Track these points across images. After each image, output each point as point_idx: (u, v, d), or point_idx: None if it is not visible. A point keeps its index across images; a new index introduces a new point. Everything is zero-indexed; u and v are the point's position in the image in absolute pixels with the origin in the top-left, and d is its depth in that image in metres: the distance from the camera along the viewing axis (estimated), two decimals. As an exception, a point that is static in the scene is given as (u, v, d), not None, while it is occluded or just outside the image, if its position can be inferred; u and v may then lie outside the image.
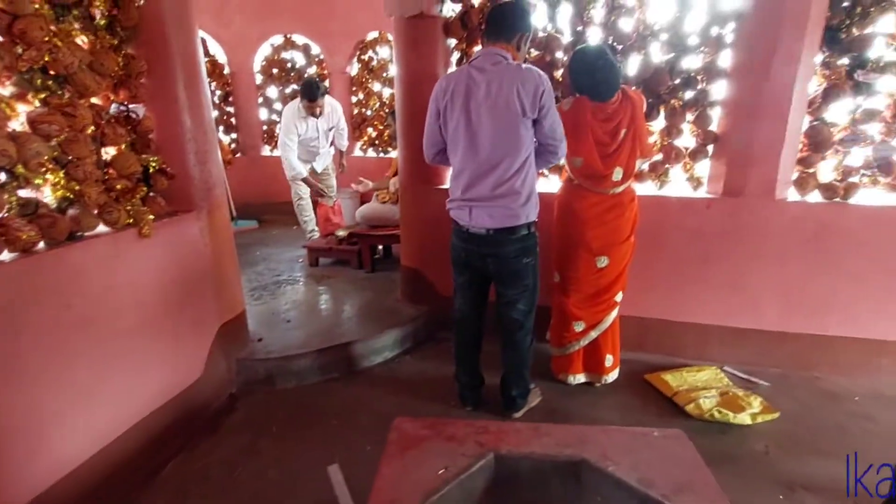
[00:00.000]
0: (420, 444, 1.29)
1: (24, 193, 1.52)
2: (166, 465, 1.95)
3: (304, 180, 4.31)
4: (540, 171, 2.55)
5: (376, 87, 5.85)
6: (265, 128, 6.18)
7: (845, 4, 2.20)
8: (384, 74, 5.75)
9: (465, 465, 1.21)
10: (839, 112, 2.35)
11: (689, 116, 2.55)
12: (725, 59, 2.41)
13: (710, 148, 2.54)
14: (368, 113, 5.92)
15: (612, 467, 1.19)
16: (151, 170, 1.97)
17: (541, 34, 2.67)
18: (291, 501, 1.77)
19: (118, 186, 1.80)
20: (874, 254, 2.33)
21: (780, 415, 2.12)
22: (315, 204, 4.65)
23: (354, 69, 5.82)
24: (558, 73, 2.66)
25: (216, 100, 5.85)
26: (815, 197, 2.41)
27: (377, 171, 5.33)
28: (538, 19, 2.64)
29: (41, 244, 1.54)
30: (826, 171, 2.42)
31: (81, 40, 1.67)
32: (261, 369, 2.47)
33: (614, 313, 2.37)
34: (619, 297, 2.36)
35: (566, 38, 2.65)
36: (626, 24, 2.54)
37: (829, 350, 2.49)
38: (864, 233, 2.33)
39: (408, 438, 1.31)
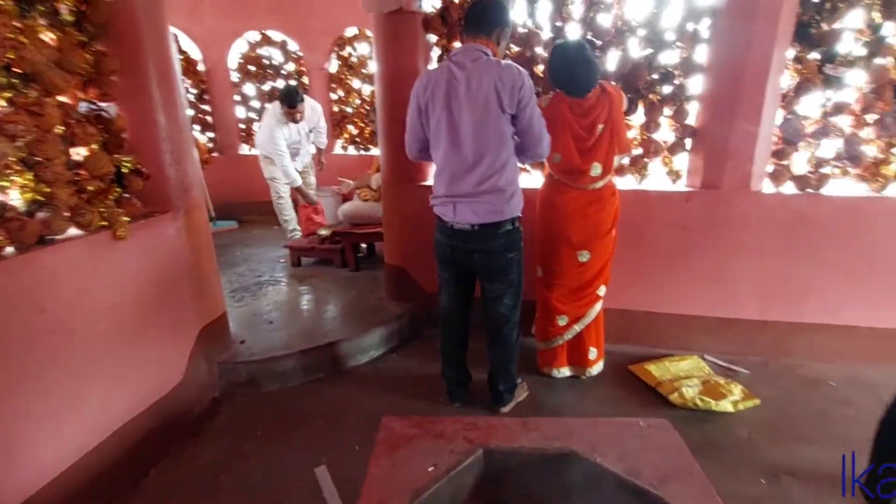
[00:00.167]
0: (409, 443, 1.28)
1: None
2: (149, 471, 1.91)
3: (298, 189, 4.29)
4: (523, 166, 2.58)
5: (356, 83, 5.78)
6: (243, 126, 6.06)
7: (815, 0, 2.26)
8: (364, 71, 5.70)
9: (454, 462, 1.20)
10: (811, 105, 2.41)
11: (668, 111, 2.59)
12: (701, 55, 2.45)
13: (689, 142, 2.59)
14: (349, 110, 5.86)
15: (600, 458, 1.20)
16: (125, 170, 1.91)
17: (521, 30, 2.67)
18: (279, 505, 1.74)
19: (90, 188, 1.74)
20: (846, 243, 2.41)
21: (760, 402, 2.18)
22: (296, 203, 4.60)
23: (334, 66, 5.75)
24: (539, 69, 2.67)
25: (191, 98, 5.72)
26: (789, 188, 2.48)
27: (358, 169, 5.27)
28: (517, 15, 2.65)
29: (10, 248, 1.48)
30: (799, 163, 2.49)
31: (48, 37, 1.61)
32: (244, 372, 2.43)
33: (598, 307, 2.40)
34: (602, 292, 2.38)
35: (546, 34, 2.66)
36: (604, 20, 2.56)
37: (807, 337, 2.57)
38: (836, 222, 2.40)
39: (396, 437, 1.30)
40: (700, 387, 2.24)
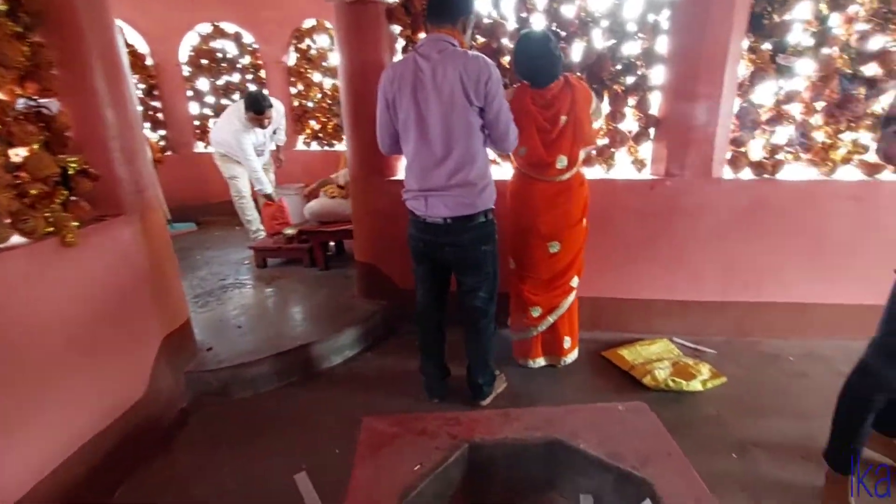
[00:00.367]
0: (392, 442, 1.26)
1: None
2: (117, 488, 1.81)
3: (268, 196, 4.18)
4: (493, 158, 2.57)
5: (317, 77, 5.62)
6: (197, 123, 5.79)
7: (767, -8, 2.35)
8: (324, 64, 5.54)
9: (440, 458, 1.19)
10: (765, 94, 2.52)
11: (632, 101, 2.64)
12: (662, 45, 2.51)
13: (652, 131, 2.65)
14: (310, 105, 5.69)
15: (583, 444, 1.22)
16: (71, 171, 1.77)
17: (486, 21, 2.65)
18: (258, 515, 1.68)
19: (33, 191, 1.60)
20: (799, 224, 2.53)
21: (727, 379, 2.27)
22: (256, 202, 4.44)
23: (292, 59, 5.57)
24: (506, 60, 2.67)
25: (140, 93, 5.41)
26: (746, 174, 2.58)
27: (322, 165, 5.15)
28: (482, 5, 2.63)
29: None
30: (756, 149, 2.60)
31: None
32: (213, 380, 2.32)
33: (571, 298, 2.41)
34: (574, 283, 2.40)
35: (511, 25, 2.66)
36: (568, 11, 2.58)
37: (765, 315, 2.70)
38: (789, 205, 2.52)
39: (379, 437, 1.28)
40: (671, 368, 2.31)
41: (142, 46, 5.32)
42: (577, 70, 2.61)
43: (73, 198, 1.77)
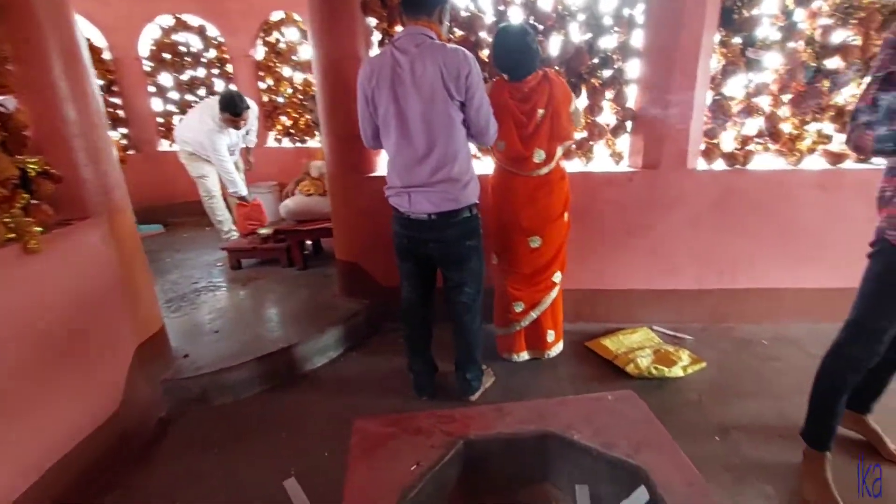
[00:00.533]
0: (386, 443, 1.24)
1: None
2: (97, 505, 1.72)
3: (242, 199, 4.05)
4: (473, 153, 2.56)
5: (287, 71, 5.47)
6: (161, 120, 5.56)
7: (736, -14, 2.41)
8: (294, 58, 5.40)
9: (437, 457, 1.18)
10: (736, 86, 2.59)
11: (609, 94, 2.67)
12: (637, 39, 2.55)
13: (629, 124, 2.69)
14: (280, 100, 5.54)
15: (576, 435, 1.23)
16: (32, 173, 1.66)
17: (463, 13, 2.63)
18: (246, 525, 1.64)
19: (-10, 195, 1.51)
20: (769, 212, 2.62)
21: (706, 364, 2.33)
22: (226, 201, 4.30)
23: (260, 53, 5.40)
24: (484, 54, 2.65)
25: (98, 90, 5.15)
26: (719, 165, 2.65)
27: (295, 161, 5.02)
28: (459, -1, 2.61)
29: None
30: (727, 140, 2.67)
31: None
32: (192, 388, 2.24)
33: (553, 293, 2.42)
34: (557, 278, 2.41)
35: (489, 18, 2.64)
36: (545, 4, 2.59)
37: (739, 302, 2.79)
38: (759, 194, 2.60)
39: (372, 438, 1.26)
40: (652, 356, 2.37)
41: (98, 40, 5.06)
42: (556, 64, 2.62)
43: (34, 201, 1.67)
